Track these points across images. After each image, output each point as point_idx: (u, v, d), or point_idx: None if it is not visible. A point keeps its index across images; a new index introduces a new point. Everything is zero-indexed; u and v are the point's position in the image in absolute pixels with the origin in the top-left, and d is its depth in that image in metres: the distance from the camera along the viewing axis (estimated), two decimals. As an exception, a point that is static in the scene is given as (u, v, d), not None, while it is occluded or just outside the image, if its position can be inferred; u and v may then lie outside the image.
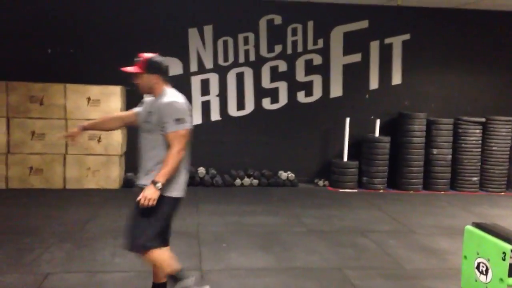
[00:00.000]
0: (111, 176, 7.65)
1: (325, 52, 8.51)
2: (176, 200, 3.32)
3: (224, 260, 4.67)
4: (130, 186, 7.73)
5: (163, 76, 3.36)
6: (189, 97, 8.02)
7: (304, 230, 5.81)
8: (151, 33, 7.99)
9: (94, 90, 7.52)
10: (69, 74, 7.64)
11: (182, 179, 3.35)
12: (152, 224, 3.21)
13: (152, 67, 3.31)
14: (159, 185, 3.12)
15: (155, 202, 3.11)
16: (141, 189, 3.22)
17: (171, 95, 3.32)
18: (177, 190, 3.30)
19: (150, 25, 8.05)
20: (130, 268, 4.30)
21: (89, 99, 7.50)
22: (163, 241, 3.38)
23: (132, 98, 7.68)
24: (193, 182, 7.91)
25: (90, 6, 7.86)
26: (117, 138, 7.62)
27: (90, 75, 7.68)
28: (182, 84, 7.69)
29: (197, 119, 8.24)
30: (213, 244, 5.10)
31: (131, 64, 3.33)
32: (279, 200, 7.33)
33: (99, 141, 7.57)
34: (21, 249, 4.74)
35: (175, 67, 8.03)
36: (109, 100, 7.55)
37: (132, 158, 7.76)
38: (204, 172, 8.14)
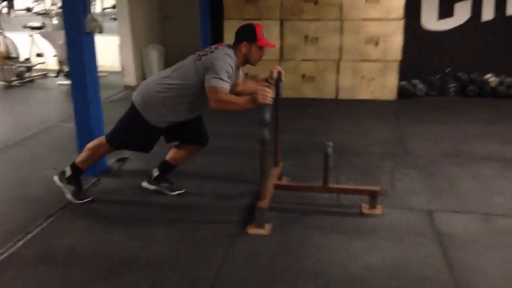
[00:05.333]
0: (388, 85, 6.73)
1: None
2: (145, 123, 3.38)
3: None
4: (405, 96, 6.79)
5: None
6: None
7: None
8: None
9: (376, -16, 6.43)
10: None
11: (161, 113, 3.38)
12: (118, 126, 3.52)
13: None
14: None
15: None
16: None
17: None
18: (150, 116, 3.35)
19: None
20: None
21: (368, -5, 6.47)
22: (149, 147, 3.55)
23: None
24: (483, 92, 6.70)
25: None
26: (397, 41, 6.56)
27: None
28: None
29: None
30: None
31: None
32: None
33: (376, 44, 6.61)
34: (360, 168, 4.16)
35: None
36: (392, -5, 6.44)
37: (406, 65, 6.76)
38: (497, 80, 6.75)
